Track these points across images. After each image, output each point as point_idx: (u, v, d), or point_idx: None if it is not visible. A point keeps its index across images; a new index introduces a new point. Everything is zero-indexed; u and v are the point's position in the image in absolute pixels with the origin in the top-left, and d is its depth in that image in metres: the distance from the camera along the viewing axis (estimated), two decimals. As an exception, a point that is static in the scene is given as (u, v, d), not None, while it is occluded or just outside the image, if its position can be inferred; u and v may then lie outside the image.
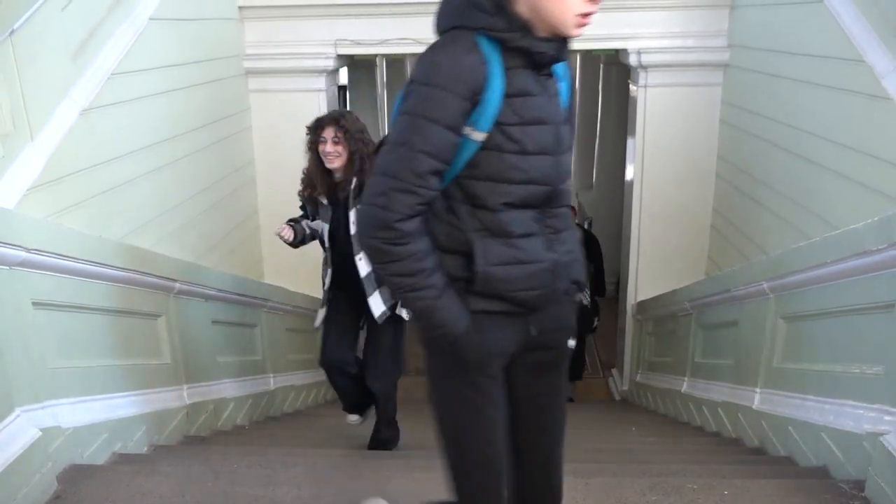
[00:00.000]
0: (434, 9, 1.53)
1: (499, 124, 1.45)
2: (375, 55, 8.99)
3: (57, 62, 3.10)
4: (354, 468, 2.67)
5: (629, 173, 6.29)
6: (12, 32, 2.71)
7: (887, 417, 2.32)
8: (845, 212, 3.44)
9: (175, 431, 3.56)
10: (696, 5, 5.53)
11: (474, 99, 1.42)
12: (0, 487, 2.08)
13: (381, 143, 1.86)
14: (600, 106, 10.44)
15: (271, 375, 5.07)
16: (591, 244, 6.29)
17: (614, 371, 7.22)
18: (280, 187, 5.97)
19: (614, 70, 9.50)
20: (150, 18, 3.89)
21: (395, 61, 11.70)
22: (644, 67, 5.68)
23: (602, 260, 6.51)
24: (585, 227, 7.76)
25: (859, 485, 2.30)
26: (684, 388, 4.78)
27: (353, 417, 3.74)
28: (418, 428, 3.53)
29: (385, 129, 12.09)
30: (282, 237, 3.47)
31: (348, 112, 3.38)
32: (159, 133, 4.11)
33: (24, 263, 2.41)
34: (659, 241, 6.06)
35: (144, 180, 3.90)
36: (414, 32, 5.70)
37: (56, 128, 3.06)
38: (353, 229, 3.25)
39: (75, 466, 2.52)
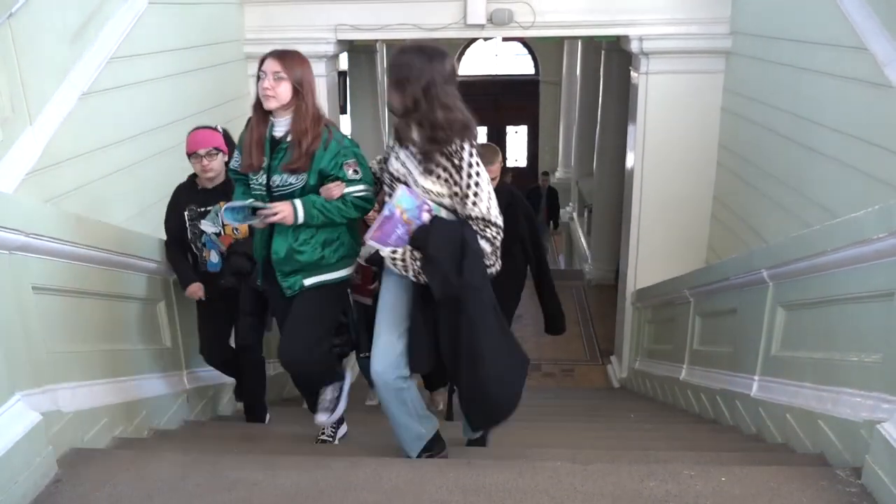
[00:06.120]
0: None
1: None
2: (375, 40, 8.94)
3: (56, 46, 3.08)
4: (354, 454, 2.68)
5: (630, 161, 6.27)
6: (10, 16, 2.70)
7: (885, 405, 2.32)
8: (846, 200, 3.43)
9: (175, 416, 3.57)
10: (699, -8, 5.50)
11: None
12: (0, 471, 2.09)
13: None
14: (601, 93, 10.40)
15: (272, 361, 5.08)
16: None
17: (613, 358, 7.24)
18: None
19: (616, 57, 9.46)
20: (150, 2, 3.86)
21: (394, 46, 11.62)
22: (646, 54, 5.65)
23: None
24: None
25: (856, 472, 2.31)
26: (683, 375, 4.80)
27: None
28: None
29: (384, 116, 12.04)
30: None
31: None
32: (159, 117, 4.09)
33: (23, 248, 2.40)
34: (659, 229, 6.06)
35: (144, 165, 3.89)
36: (413, 17, 5.66)
37: (55, 112, 3.05)
38: None
39: (76, 450, 2.53)
